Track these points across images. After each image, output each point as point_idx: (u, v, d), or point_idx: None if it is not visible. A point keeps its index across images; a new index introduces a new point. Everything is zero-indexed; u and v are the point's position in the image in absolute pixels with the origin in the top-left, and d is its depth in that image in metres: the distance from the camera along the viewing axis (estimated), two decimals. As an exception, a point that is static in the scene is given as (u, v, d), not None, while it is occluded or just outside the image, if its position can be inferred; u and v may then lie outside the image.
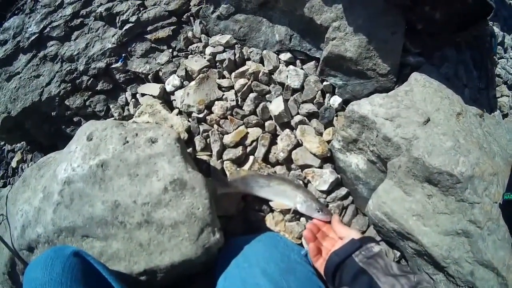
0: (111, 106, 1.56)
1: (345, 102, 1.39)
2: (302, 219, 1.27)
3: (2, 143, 2.03)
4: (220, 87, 1.43)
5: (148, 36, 1.56)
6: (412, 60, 1.38)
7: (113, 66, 1.54)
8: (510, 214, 1.02)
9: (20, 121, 1.62)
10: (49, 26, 1.63)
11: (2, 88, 1.65)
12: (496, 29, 1.76)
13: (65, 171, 1.06)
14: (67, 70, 1.56)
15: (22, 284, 1.22)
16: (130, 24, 1.54)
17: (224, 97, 1.40)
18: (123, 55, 1.54)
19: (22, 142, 1.91)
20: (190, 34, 1.56)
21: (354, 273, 0.87)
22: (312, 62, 1.44)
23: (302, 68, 1.44)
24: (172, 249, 0.96)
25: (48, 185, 1.11)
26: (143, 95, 1.51)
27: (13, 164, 1.93)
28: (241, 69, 1.42)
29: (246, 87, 1.38)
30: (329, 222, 1.16)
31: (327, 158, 1.33)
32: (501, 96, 1.65)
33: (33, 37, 1.62)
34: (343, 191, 1.30)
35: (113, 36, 1.56)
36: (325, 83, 1.40)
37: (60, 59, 1.60)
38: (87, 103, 1.56)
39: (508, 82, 1.68)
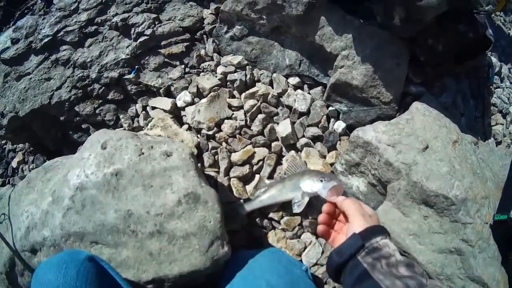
0: (120, 116, 1.61)
1: (349, 128, 1.47)
2: (303, 236, 1.34)
3: (3, 141, 2.05)
4: (230, 106, 1.48)
5: (162, 51, 1.61)
6: (414, 90, 1.46)
7: (125, 77, 1.58)
8: (500, 233, 1.12)
9: (27, 122, 1.66)
10: (63, 30, 1.67)
11: (11, 87, 1.68)
12: (494, 59, 1.85)
13: (78, 177, 1.11)
14: (79, 77, 1.61)
15: (19, 285, 1.27)
16: (145, 37, 1.59)
17: (233, 116, 1.46)
18: (136, 67, 1.59)
19: (25, 143, 1.94)
20: (202, 52, 1.62)
21: (358, 275, 0.80)
22: (319, 88, 1.51)
23: (309, 93, 1.52)
24: (182, 260, 1.01)
25: (57, 189, 1.15)
26: (153, 108, 1.56)
27: (14, 164, 1.96)
28: (251, 90, 1.48)
29: (255, 108, 1.45)
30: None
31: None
32: (496, 124, 1.74)
33: (46, 39, 1.65)
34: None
35: (127, 47, 1.61)
36: (330, 108, 1.48)
37: (73, 64, 1.64)
38: (97, 111, 1.61)
39: (503, 111, 1.76)
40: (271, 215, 1.35)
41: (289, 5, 1.40)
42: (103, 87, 1.61)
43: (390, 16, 1.32)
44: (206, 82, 1.52)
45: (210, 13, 1.67)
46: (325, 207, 1.00)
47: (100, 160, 1.12)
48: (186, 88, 1.57)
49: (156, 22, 1.64)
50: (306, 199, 1.26)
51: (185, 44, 1.63)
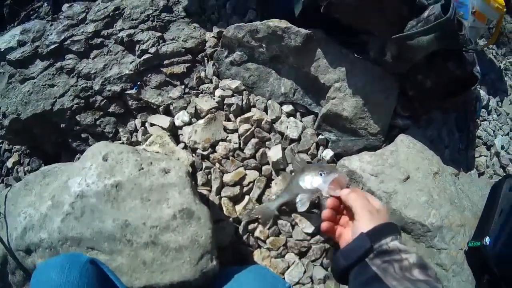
0: (120, 129, 1.71)
1: (336, 156, 1.60)
2: (287, 256, 1.45)
3: (0, 141, 2.12)
4: (225, 129, 1.60)
5: (164, 70, 1.72)
6: (400, 123, 1.60)
7: (127, 92, 1.69)
8: (474, 259, 1.27)
9: (28, 125, 1.75)
10: (70, 39, 1.77)
11: (14, 89, 1.76)
12: (483, 93, 2.01)
13: (79, 185, 1.21)
14: (82, 87, 1.71)
15: (9, 283, 1.37)
16: (149, 55, 1.71)
17: (228, 138, 1.57)
18: (138, 83, 1.70)
19: (23, 145, 2.00)
20: (202, 74, 1.74)
21: (367, 279, 0.78)
22: (311, 116, 1.64)
23: (301, 121, 1.64)
24: (173, 270, 1.12)
25: (57, 194, 1.25)
26: (152, 125, 1.67)
27: (9, 164, 2.03)
28: (246, 115, 1.60)
29: (249, 132, 1.56)
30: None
31: (315, 205, 1.50)
32: (480, 156, 1.88)
33: (52, 46, 1.75)
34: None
35: (131, 63, 1.72)
36: (320, 136, 1.60)
37: (77, 74, 1.74)
38: (98, 122, 1.71)
39: (487, 143, 1.90)
40: (257, 234, 1.46)
41: (289, 36, 1.53)
42: (105, 100, 1.71)
43: (383, 53, 1.46)
44: (204, 104, 1.63)
45: (212, 37, 1.79)
46: (329, 202, 0.99)
47: (101, 171, 1.23)
48: (184, 108, 1.68)
49: (160, 41, 1.75)
50: (309, 196, 1.26)
51: (187, 65, 1.74)
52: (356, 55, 1.57)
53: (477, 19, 1.94)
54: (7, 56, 1.78)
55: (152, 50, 1.73)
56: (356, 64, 1.55)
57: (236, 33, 1.63)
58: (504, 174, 1.88)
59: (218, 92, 1.68)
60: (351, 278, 0.81)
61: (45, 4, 2.03)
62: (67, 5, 1.87)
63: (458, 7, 1.70)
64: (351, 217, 0.93)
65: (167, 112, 1.72)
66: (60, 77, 1.76)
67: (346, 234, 0.93)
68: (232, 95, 1.66)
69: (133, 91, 1.70)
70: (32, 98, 1.73)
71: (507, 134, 2.05)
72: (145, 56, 1.72)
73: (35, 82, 1.75)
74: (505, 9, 1.98)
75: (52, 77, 1.76)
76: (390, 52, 1.44)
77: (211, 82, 1.74)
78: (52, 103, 1.73)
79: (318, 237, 1.47)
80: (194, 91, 1.74)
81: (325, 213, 0.98)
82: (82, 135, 1.76)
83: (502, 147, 1.97)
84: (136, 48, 1.75)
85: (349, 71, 1.54)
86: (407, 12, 1.38)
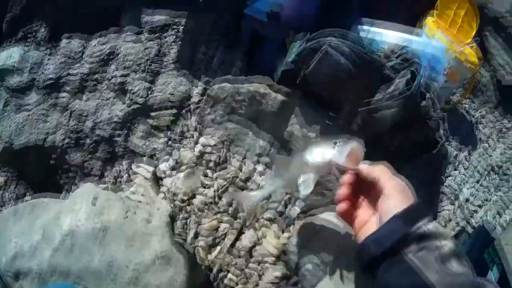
0: (105, 173, 2.07)
1: (303, 213, 1.95)
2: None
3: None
4: (202, 183, 1.94)
5: (150, 121, 2.09)
6: None
7: (115, 138, 2.06)
8: None
9: (19, 154, 2.10)
10: (65, 77, 2.14)
11: (9, 117, 2.12)
12: (452, 147, 2.34)
13: (69, 224, 1.59)
14: (73, 127, 2.08)
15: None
16: (137, 105, 2.08)
17: (204, 192, 1.92)
18: (125, 131, 2.07)
19: (11, 171, 2.31)
20: (185, 128, 2.10)
21: (403, 271, 0.74)
22: None
23: None
24: None
25: (48, 229, 1.62)
26: (135, 173, 2.02)
27: None
28: (222, 172, 1.96)
29: (224, 188, 1.92)
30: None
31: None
32: (443, 210, 2.18)
33: (48, 82, 2.12)
34: (294, 279, 1.81)
35: (120, 110, 2.08)
36: (287, 195, 1.94)
37: (69, 113, 2.10)
38: (85, 164, 2.08)
39: (452, 197, 2.19)
40: (226, 281, 1.81)
41: (266, 101, 1.93)
42: (94, 143, 2.07)
43: (350, 122, 1.85)
44: (184, 157, 1.99)
45: (197, 93, 2.17)
46: (346, 178, 0.97)
47: (90, 214, 1.60)
48: (166, 160, 2.04)
49: (149, 92, 2.12)
50: (315, 176, 1.21)
51: (171, 118, 2.11)
52: (327, 121, 1.93)
53: (449, 79, 2.22)
54: (4, 82, 2.16)
55: (141, 100, 2.11)
56: (326, 131, 1.91)
57: (219, 94, 2.02)
58: (468, 226, 2.14)
59: (198, 147, 2.04)
60: (381, 269, 0.78)
61: (42, 29, 2.37)
62: (66, 38, 2.27)
63: (432, 59, 2.06)
64: (372, 197, 0.92)
65: (151, 161, 2.08)
66: (53, 113, 2.14)
67: (366, 216, 0.92)
68: (211, 152, 2.02)
69: (120, 139, 2.07)
70: (25, 129, 2.11)
71: (473, 186, 2.30)
72: (134, 106, 2.11)
73: (29, 114, 2.13)
74: (478, 67, 2.28)
75: (46, 112, 2.14)
76: (356, 123, 1.84)
77: (192, 136, 2.10)
78: (44, 138, 2.10)
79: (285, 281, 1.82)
80: (177, 144, 2.10)
81: (343, 191, 0.95)
82: (70, 174, 2.12)
83: (467, 200, 2.23)
84: (126, 97, 2.13)
85: (320, 135, 1.91)
86: (375, 86, 1.77)
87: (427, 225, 0.78)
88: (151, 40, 2.26)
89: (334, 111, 1.93)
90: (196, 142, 2.11)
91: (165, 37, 2.28)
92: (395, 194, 0.85)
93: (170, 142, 2.15)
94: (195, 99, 2.22)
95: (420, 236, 0.77)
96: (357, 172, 0.98)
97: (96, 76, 2.21)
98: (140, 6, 2.30)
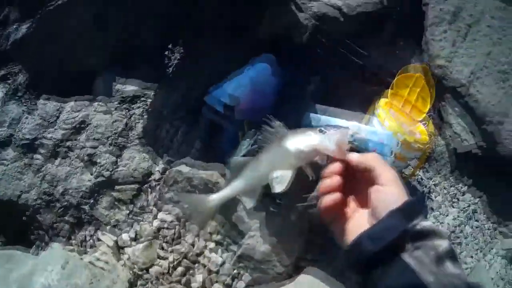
0: (72, 236, 2.45)
1: (249, 285, 2.37)
2: None
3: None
4: (158, 255, 2.34)
5: (114, 193, 2.47)
6: (308, 258, 2.41)
7: (82, 206, 2.44)
8: None
9: None
10: (40, 140, 2.53)
11: None
12: None
13: (42, 283, 2.04)
14: (45, 190, 2.46)
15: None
16: (103, 178, 2.46)
17: (160, 264, 2.31)
18: (92, 201, 2.46)
19: None
20: (145, 203, 2.48)
21: (398, 271, 0.75)
22: (230, 253, 2.43)
23: (221, 257, 2.42)
24: None
25: (22, 285, 2.07)
26: (99, 239, 2.40)
27: None
28: (177, 246, 2.35)
29: (177, 261, 2.31)
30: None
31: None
32: None
33: (24, 141, 2.51)
34: None
35: (88, 180, 2.46)
36: (235, 271, 2.38)
37: (42, 176, 2.48)
38: (54, 225, 2.46)
39: None
40: None
41: (217, 189, 2.27)
42: (63, 208, 2.46)
43: (290, 214, 2.33)
44: (144, 230, 2.39)
45: (158, 170, 2.54)
46: (333, 167, 0.91)
47: (60, 277, 2.02)
48: (128, 231, 2.42)
49: (114, 167, 2.51)
50: (292, 172, 1.11)
51: (134, 192, 2.50)
52: (272, 209, 2.36)
53: (398, 160, 2.50)
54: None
55: (107, 174, 2.51)
56: (270, 218, 2.36)
57: (176, 177, 2.42)
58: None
59: (156, 222, 2.44)
60: (374, 267, 0.78)
61: (21, 75, 2.81)
62: (43, 99, 2.70)
63: (379, 146, 2.34)
64: (357, 190, 0.91)
65: (113, 231, 2.47)
66: (28, 173, 2.54)
67: (359, 218, 0.88)
68: (168, 227, 2.42)
69: (86, 207, 2.48)
70: (1, 183, 2.52)
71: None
72: (100, 179, 2.51)
73: (5, 170, 2.54)
74: (429, 144, 2.58)
75: (21, 171, 2.54)
76: (296, 215, 2.30)
77: (151, 212, 2.50)
78: (18, 195, 2.50)
79: None
80: (137, 217, 2.49)
81: (331, 181, 0.89)
82: (40, 232, 2.51)
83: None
84: (94, 169, 2.53)
85: (263, 222, 2.35)
86: (313, 183, 2.20)
87: (424, 222, 0.77)
88: (121, 111, 2.67)
89: (277, 201, 2.37)
90: (155, 217, 2.52)
91: (134, 109, 2.69)
92: (391, 183, 0.83)
93: (131, 215, 2.56)
94: (156, 176, 2.63)
95: (417, 233, 0.76)
96: (345, 162, 0.92)
97: (68, 143, 2.61)
98: (113, 73, 2.75)
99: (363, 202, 0.90)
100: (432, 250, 0.74)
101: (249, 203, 1.21)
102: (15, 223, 2.64)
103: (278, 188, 1.10)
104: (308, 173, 1.10)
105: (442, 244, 0.75)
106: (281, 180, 1.10)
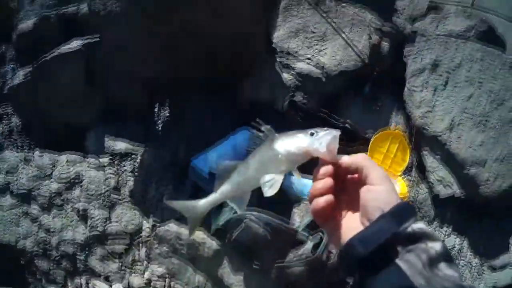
0: (68, 283, 2.76)
1: None
2: None
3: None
4: None
5: (107, 247, 2.75)
6: None
7: (77, 256, 2.73)
8: None
9: None
10: (36, 191, 2.77)
11: None
12: None
13: None
14: (41, 238, 2.73)
15: None
16: (97, 232, 2.75)
17: None
18: (86, 252, 2.75)
19: None
20: (136, 257, 2.76)
21: (389, 274, 0.73)
22: None
23: None
24: None
25: None
26: (95, 286, 2.73)
27: None
28: None
29: None
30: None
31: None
32: None
33: (22, 191, 2.75)
34: None
35: (83, 233, 2.75)
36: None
37: (39, 225, 2.74)
38: (51, 271, 2.76)
39: None
40: None
41: (203, 248, 2.65)
42: (59, 256, 2.74)
43: (269, 272, 2.64)
44: (135, 282, 2.71)
45: (148, 227, 2.82)
46: (325, 169, 0.89)
47: None
48: (120, 281, 2.73)
49: (107, 222, 2.79)
50: (281, 176, 1.06)
51: (125, 246, 2.77)
52: (254, 266, 2.64)
53: None
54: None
55: (100, 228, 2.80)
56: (252, 274, 2.65)
57: (165, 235, 2.73)
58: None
59: (147, 275, 2.74)
60: (365, 271, 0.77)
61: (15, 118, 3.01)
62: (39, 151, 2.93)
63: None
64: (347, 193, 0.91)
65: (107, 280, 2.77)
66: (25, 221, 2.81)
67: (344, 213, 0.90)
68: (157, 280, 2.72)
69: (81, 257, 2.80)
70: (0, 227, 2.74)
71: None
72: (94, 233, 2.80)
73: (3, 215, 2.78)
74: (408, 196, 2.78)
75: (19, 218, 2.80)
76: (274, 274, 2.60)
77: (142, 265, 2.79)
78: (15, 240, 2.76)
79: None
80: (129, 269, 2.79)
81: (322, 183, 0.87)
82: (37, 276, 2.82)
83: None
84: (88, 224, 2.81)
85: (246, 278, 2.66)
86: (287, 248, 2.51)
87: (415, 225, 0.76)
88: (113, 167, 2.95)
89: (257, 262, 2.68)
90: (145, 270, 2.83)
91: (125, 166, 2.95)
92: (381, 182, 0.82)
93: (123, 268, 2.85)
94: (145, 233, 2.91)
95: (409, 236, 0.75)
96: (336, 164, 0.90)
97: (63, 196, 2.88)
98: (105, 128, 2.97)
99: (355, 203, 0.87)
100: (424, 253, 0.73)
101: (238, 207, 1.18)
102: (12, 265, 2.87)
103: (270, 192, 1.04)
104: (296, 175, 1.06)
105: (435, 247, 0.74)
106: (272, 184, 1.04)
